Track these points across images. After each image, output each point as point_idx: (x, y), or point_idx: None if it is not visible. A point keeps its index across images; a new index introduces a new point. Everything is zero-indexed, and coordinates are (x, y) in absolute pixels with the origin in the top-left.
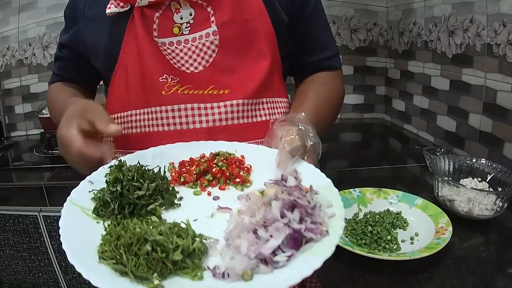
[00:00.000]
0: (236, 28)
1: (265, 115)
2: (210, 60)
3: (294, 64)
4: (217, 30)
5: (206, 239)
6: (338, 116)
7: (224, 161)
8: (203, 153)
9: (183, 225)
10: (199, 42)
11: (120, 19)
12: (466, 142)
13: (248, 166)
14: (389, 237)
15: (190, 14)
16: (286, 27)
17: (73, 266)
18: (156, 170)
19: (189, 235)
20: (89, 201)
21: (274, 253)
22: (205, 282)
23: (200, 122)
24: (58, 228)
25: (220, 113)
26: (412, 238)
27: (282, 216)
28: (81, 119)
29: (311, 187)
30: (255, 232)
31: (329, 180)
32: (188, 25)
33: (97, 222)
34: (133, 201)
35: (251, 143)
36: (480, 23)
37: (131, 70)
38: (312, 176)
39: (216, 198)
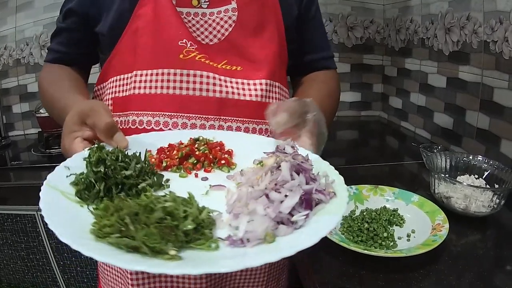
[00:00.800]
0: (255, 9)
1: (276, 98)
2: (225, 34)
3: (295, 63)
4: (236, 7)
5: (210, 213)
6: (335, 114)
7: (205, 145)
8: (180, 141)
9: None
10: (217, 16)
11: None
12: (463, 139)
13: (230, 150)
14: (385, 234)
15: None
16: (295, 21)
17: (72, 265)
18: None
19: (195, 206)
20: (67, 186)
21: (290, 213)
22: (222, 252)
23: (214, 91)
24: None
25: (232, 87)
26: (408, 235)
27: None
28: (82, 127)
29: (307, 155)
30: (267, 196)
31: (316, 156)
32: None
33: (81, 206)
34: (121, 181)
35: (262, 122)
36: (477, 20)
37: (145, 32)
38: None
39: (204, 179)
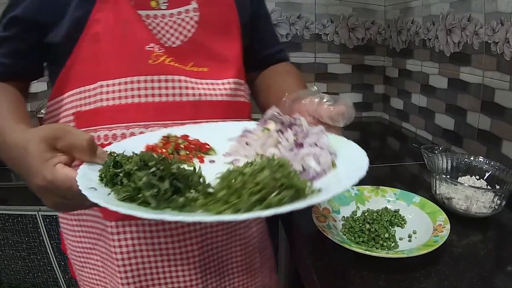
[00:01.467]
0: (216, 8)
1: (243, 96)
2: (188, 35)
3: (251, 58)
4: (198, 7)
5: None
6: None
7: (181, 138)
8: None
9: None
10: (178, 18)
11: None
12: (464, 140)
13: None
14: (386, 235)
15: None
16: (248, 19)
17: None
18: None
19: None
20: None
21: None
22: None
23: (187, 95)
24: (57, 227)
25: (204, 88)
26: (410, 236)
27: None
28: (54, 153)
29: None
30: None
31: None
32: (165, 1)
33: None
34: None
35: (233, 120)
36: (478, 22)
37: (107, 38)
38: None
39: (212, 161)
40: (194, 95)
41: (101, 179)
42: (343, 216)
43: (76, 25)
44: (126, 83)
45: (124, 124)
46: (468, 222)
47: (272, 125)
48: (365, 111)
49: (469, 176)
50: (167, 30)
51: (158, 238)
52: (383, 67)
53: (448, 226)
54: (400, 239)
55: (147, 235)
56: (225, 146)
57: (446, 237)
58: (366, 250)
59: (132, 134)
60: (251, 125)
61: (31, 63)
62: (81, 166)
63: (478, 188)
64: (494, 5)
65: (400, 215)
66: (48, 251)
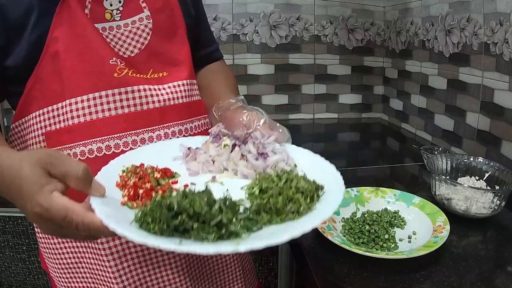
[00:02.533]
0: (167, 14)
1: (197, 95)
2: (145, 43)
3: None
4: (150, 14)
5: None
6: (336, 116)
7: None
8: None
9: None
10: (133, 27)
11: (49, 3)
12: (464, 141)
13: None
14: (386, 236)
15: (120, 2)
16: (192, 23)
17: None
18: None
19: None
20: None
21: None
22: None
23: (153, 102)
24: None
25: (167, 93)
26: (409, 237)
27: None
28: (51, 179)
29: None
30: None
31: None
32: (119, 11)
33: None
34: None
35: (194, 119)
36: (477, 22)
37: (69, 55)
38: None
39: (193, 183)
40: (159, 101)
41: (143, 221)
42: (343, 218)
43: (35, 46)
44: (95, 98)
45: (99, 138)
46: (467, 223)
47: (227, 141)
48: (364, 112)
49: (468, 177)
50: (124, 41)
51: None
52: (383, 68)
53: (448, 227)
54: (400, 240)
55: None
56: (174, 166)
57: (446, 238)
58: (366, 252)
59: (108, 147)
60: (186, 141)
61: None
62: (95, 204)
63: (477, 188)
64: (493, 5)
65: (400, 216)
66: None
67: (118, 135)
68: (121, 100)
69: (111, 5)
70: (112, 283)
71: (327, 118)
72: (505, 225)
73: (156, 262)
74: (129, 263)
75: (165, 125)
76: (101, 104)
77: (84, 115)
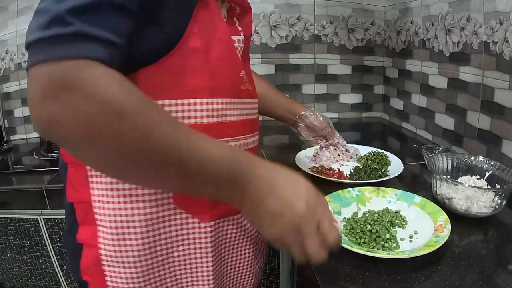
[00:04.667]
0: (248, 42)
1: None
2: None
3: None
4: (243, 39)
5: None
6: (337, 116)
7: None
8: None
9: None
10: (239, 45)
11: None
12: (464, 140)
13: None
14: (388, 236)
15: (224, 17)
16: None
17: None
18: None
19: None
20: None
21: None
22: None
23: (254, 114)
24: (59, 230)
25: (252, 108)
26: (411, 236)
27: None
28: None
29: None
30: None
31: None
32: (241, 28)
33: None
34: None
35: (256, 135)
36: (477, 21)
37: (215, 55)
38: None
39: None
40: (255, 114)
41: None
42: (344, 217)
43: (175, 30)
44: (231, 103)
45: (225, 139)
46: (469, 222)
47: (331, 147)
48: (365, 112)
49: (469, 176)
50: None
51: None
52: (383, 67)
53: (449, 226)
54: (401, 239)
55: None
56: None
57: (447, 237)
58: (368, 251)
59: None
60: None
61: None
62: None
63: (478, 188)
64: (493, 4)
65: (401, 215)
66: (50, 254)
67: (237, 137)
68: (243, 109)
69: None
70: (207, 266)
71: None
72: (506, 224)
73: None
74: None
75: (254, 133)
76: (232, 109)
77: (224, 116)
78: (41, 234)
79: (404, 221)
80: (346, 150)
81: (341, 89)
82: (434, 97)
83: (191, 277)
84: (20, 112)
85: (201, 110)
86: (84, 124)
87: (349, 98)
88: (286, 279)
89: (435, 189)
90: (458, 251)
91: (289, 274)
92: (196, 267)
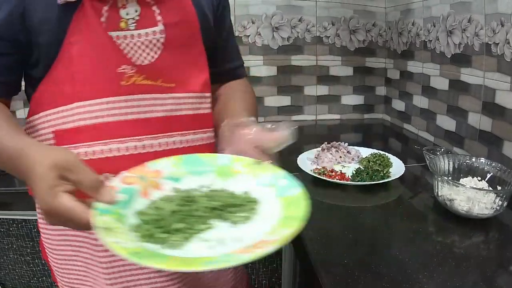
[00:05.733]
0: (181, 29)
1: (207, 108)
2: (155, 56)
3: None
4: (164, 29)
5: None
6: (338, 117)
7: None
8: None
9: None
10: (146, 38)
11: (68, 9)
12: (466, 141)
13: None
14: (202, 226)
15: (136, 11)
16: (211, 36)
17: None
18: None
19: None
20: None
21: None
22: None
23: (157, 111)
24: None
25: (172, 104)
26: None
27: None
28: (61, 181)
29: None
30: None
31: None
32: (134, 21)
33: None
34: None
35: (198, 131)
36: (478, 23)
37: (80, 61)
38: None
39: None
40: (163, 111)
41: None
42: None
43: (52, 45)
44: (102, 103)
45: (103, 141)
46: (470, 223)
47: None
48: (366, 113)
49: (470, 177)
50: (136, 50)
51: None
52: (384, 69)
53: (275, 247)
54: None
55: None
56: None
57: (251, 259)
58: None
59: (110, 150)
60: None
61: (14, 79)
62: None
63: (479, 189)
64: (494, 6)
65: (253, 207)
66: None
67: (120, 139)
68: (126, 107)
69: (127, 14)
70: (103, 279)
71: (330, 119)
72: (507, 225)
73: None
74: (122, 262)
75: (167, 134)
76: (108, 109)
77: (91, 118)
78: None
79: (245, 217)
80: (348, 152)
81: (343, 90)
82: (436, 99)
83: None
84: (22, 113)
85: (78, 113)
86: None
87: (351, 99)
88: (288, 280)
89: (436, 190)
90: (460, 252)
91: (291, 275)
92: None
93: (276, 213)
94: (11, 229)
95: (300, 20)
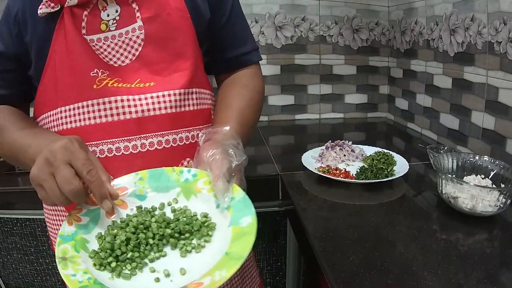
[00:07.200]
0: (160, 22)
1: (194, 105)
2: (136, 54)
3: (214, 62)
4: (142, 25)
5: None
6: (342, 116)
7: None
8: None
9: None
10: (126, 37)
11: (51, 19)
12: (469, 140)
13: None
14: (154, 255)
15: (116, 11)
16: (206, 23)
17: None
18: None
19: None
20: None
21: None
22: None
23: (130, 113)
24: None
25: (147, 104)
26: (182, 272)
27: None
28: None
29: None
30: None
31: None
32: (115, 21)
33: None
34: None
35: (180, 131)
36: (481, 21)
37: (60, 67)
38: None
39: None
40: (136, 112)
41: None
42: (137, 207)
43: (40, 58)
44: (77, 108)
45: (94, 142)
46: (474, 221)
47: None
48: (370, 112)
49: (474, 175)
50: (117, 50)
51: None
52: (388, 67)
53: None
54: (165, 275)
55: None
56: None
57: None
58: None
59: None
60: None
61: (25, 88)
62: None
63: (483, 187)
64: (496, 5)
65: (208, 233)
66: None
67: (95, 142)
68: (99, 110)
69: (108, 15)
70: None
71: (333, 118)
72: (511, 223)
73: None
74: None
75: (142, 135)
76: (82, 113)
77: (69, 122)
78: (47, 234)
79: (197, 246)
80: (352, 150)
81: (346, 89)
82: (439, 97)
83: None
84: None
85: (61, 118)
86: None
87: (354, 98)
88: (293, 279)
89: (440, 188)
90: (464, 250)
91: (295, 273)
92: None
93: (225, 245)
94: (14, 228)
95: (303, 19)
